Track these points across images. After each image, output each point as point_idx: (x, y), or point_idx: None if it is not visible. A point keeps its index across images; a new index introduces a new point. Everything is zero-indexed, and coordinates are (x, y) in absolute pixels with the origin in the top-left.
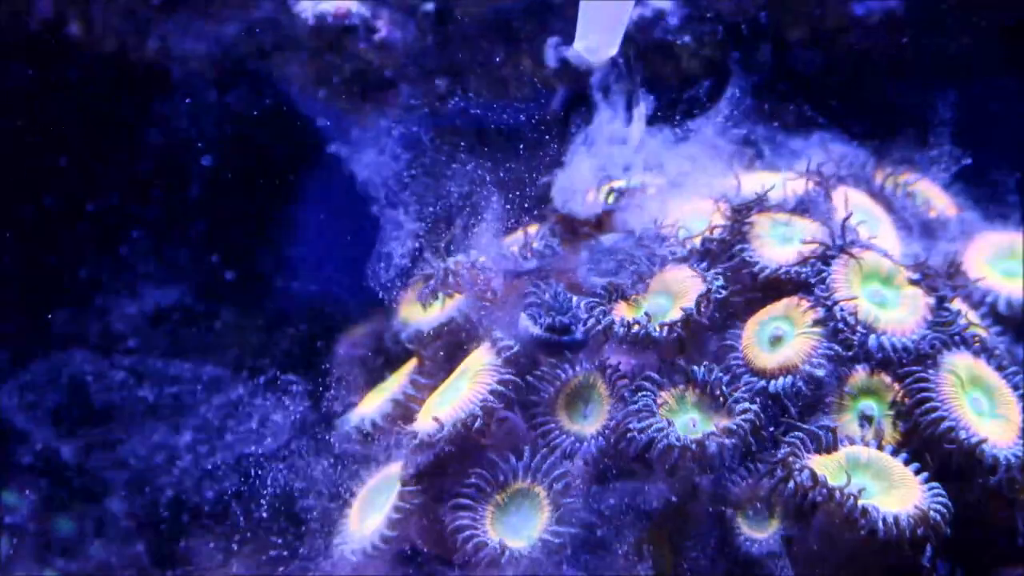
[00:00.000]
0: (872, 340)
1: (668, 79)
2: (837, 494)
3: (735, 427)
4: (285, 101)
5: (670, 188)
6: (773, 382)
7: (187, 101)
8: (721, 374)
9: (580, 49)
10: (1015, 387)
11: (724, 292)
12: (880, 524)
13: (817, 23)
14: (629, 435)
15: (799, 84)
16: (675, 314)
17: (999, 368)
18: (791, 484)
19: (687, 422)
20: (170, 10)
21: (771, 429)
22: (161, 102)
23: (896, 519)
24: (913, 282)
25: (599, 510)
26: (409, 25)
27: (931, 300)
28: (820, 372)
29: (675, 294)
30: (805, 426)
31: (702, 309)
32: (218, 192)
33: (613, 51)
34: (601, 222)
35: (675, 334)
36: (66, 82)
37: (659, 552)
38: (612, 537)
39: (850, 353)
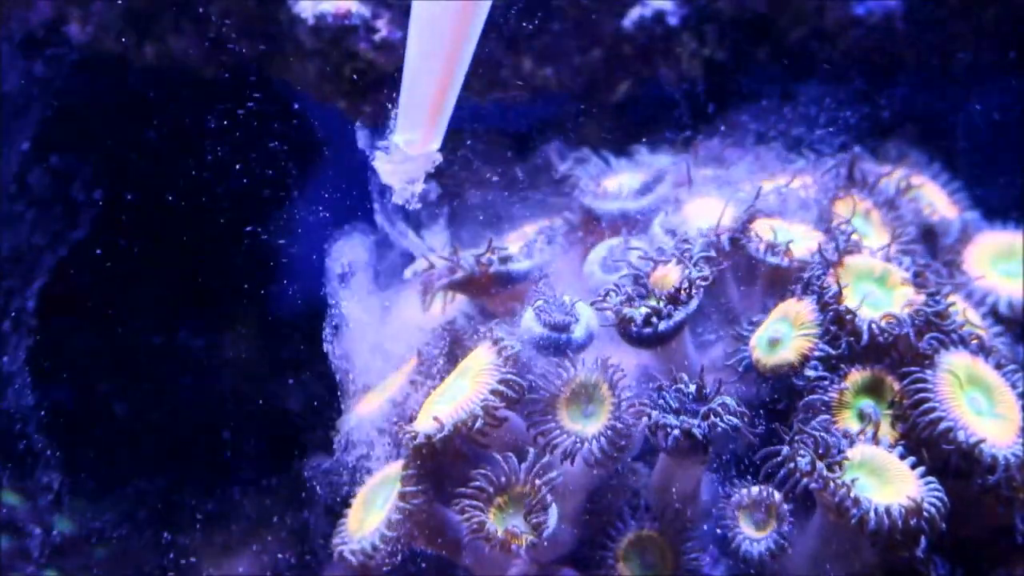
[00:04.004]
0: (865, 334)
1: (669, 80)
2: (831, 483)
3: (710, 410)
4: (285, 101)
5: (674, 190)
6: (775, 384)
7: (186, 101)
8: (692, 387)
9: (399, 142)
10: (1014, 386)
11: (696, 284)
12: (872, 514)
13: (817, 23)
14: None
15: (798, 85)
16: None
17: (998, 367)
18: (791, 465)
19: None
20: (169, 9)
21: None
22: (159, 103)
23: (888, 509)
24: (906, 282)
25: (599, 509)
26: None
27: (923, 298)
28: (817, 373)
29: None
30: (820, 432)
31: (681, 296)
32: (217, 195)
33: (435, 145)
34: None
35: (655, 319)
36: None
37: (659, 552)
38: (612, 537)
39: (847, 353)
